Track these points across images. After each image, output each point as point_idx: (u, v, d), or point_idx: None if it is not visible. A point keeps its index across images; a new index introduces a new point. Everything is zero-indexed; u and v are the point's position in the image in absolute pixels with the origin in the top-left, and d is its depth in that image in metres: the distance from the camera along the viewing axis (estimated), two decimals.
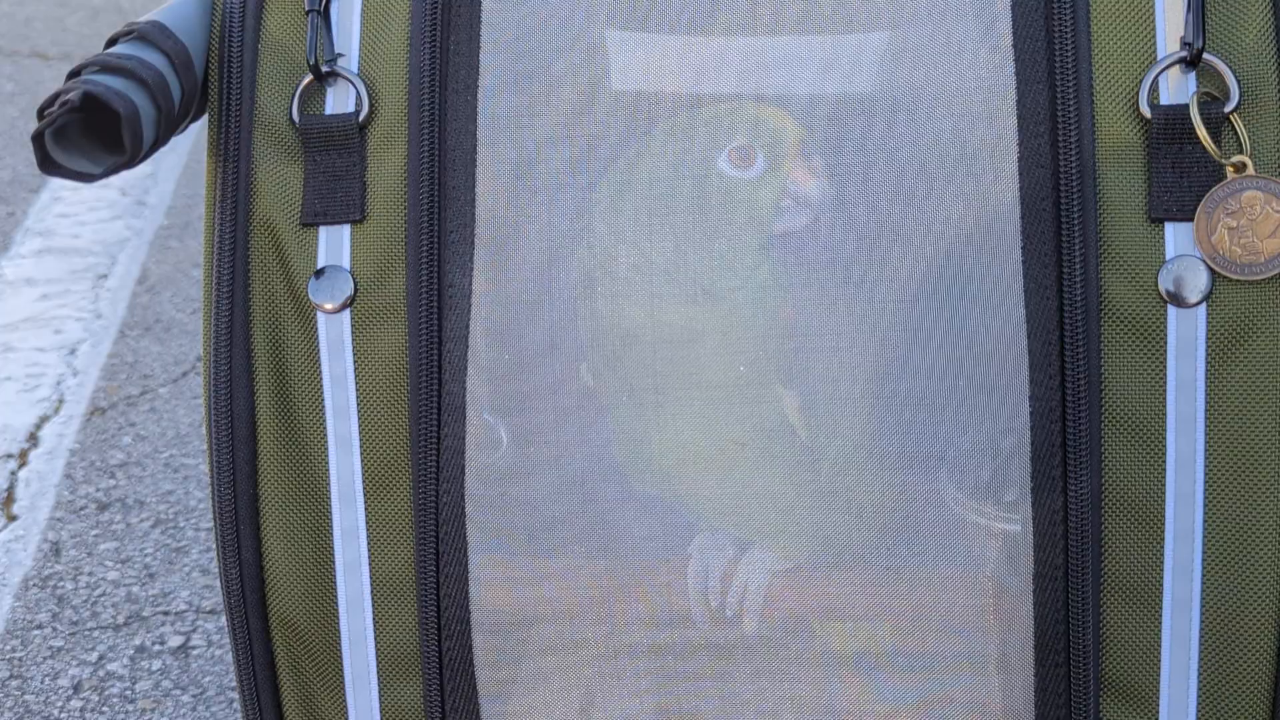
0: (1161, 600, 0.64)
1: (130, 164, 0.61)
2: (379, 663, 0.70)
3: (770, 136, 0.66)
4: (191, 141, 2.15)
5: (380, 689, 0.70)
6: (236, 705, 1.03)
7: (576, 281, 0.67)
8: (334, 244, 0.68)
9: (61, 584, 1.18)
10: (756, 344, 0.66)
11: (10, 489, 1.33)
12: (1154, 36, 0.64)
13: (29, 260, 1.80)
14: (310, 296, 0.68)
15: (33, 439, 1.41)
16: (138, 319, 1.65)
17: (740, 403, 0.66)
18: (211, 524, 1.23)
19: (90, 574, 1.19)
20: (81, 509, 1.28)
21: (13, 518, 1.28)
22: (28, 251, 1.82)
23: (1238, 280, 0.63)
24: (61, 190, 2.00)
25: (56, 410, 1.46)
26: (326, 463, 0.68)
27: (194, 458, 1.36)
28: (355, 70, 0.68)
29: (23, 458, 1.38)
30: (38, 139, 0.59)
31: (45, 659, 1.09)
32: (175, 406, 1.46)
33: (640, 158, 0.67)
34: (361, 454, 0.68)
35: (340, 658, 0.70)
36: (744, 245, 0.66)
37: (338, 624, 0.69)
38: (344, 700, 0.70)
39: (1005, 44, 0.65)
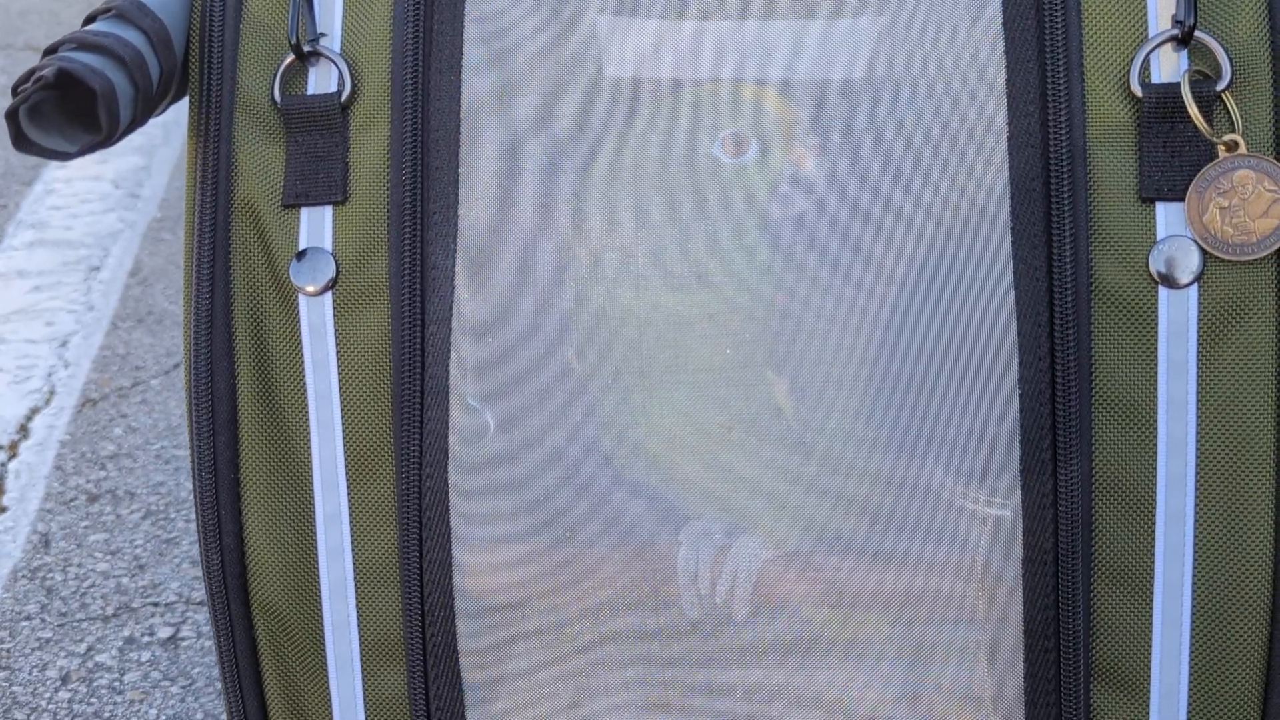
0: (1153, 584, 0.64)
1: (106, 143, 0.61)
2: (362, 650, 0.69)
3: (763, 120, 0.65)
4: (185, 135, 2.15)
5: (364, 676, 0.69)
6: None
7: (562, 264, 0.66)
8: (316, 226, 0.67)
9: (50, 575, 1.17)
10: (744, 327, 0.65)
11: (0, 480, 1.32)
12: (1145, 14, 0.63)
13: (21, 252, 1.79)
14: (292, 279, 0.67)
15: (23, 430, 1.40)
16: (130, 311, 1.64)
17: (727, 386, 0.66)
18: None
19: (79, 565, 1.18)
20: (71, 500, 1.28)
21: (2, 509, 1.27)
22: (20, 243, 1.82)
23: (1230, 261, 0.62)
24: (54, 183, 2.00)
25: (47, 402, 1.46)
26: (309, 447, 0.68)
27: (185, 450, 1.36)
28: (338, 50, 0.67)
29: (13, 449, 1.37)
30: (12, 116, 0.58)
31: (33, 650, 1.08)
32: (167, 398, 1.46)
33: (631, 140, 0.66)
34: (344, 439, 0.67)
35: (323, 644, 0.69)
36: (736, 230, 0.66)
37: (320, 610, 0.69)
38: (327, 687, 0.69)
39: (995, 23, 0.65)
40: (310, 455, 0.68)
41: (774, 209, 0.66)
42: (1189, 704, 0.64)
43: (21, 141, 0.59)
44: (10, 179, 2.01)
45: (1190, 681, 0.64)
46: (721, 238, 0.65)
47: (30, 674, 1.05)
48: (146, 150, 2.08)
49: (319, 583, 0.68)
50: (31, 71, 0.59)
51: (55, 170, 2.02)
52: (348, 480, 0.68)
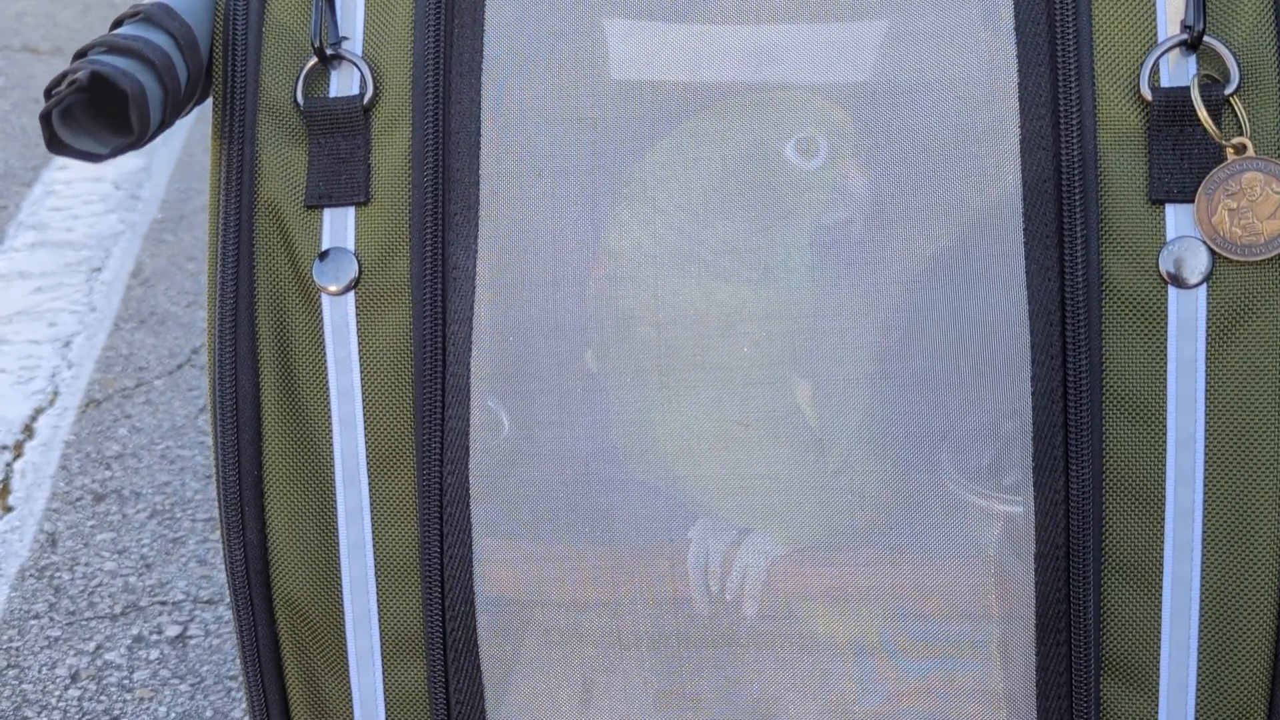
0: (1162, 580, 0.65)
1: (136, 144, 0.61)
2: (383, 644, 0.70)
3: (832, 130, 0.66)
4: (185, 135, 2.15)
5: (384, 670, 0.70)
6: (234, 694, 1.03)
7: (581, 263, 0.67)
8: (338, 226, 0.68)
9: (58, 574, 1.18)
10: (760, 325, 0.66)
11: (6, 480, 1.33)
12: (1155, 19, 0.64)
13: (22, 253, 1.80)
14: (315, 279, 0.68)
15: (28, 431, 1.41)
16: (132, 312, 1.65)
17: (744, 384, 0.66)
18: (209, 515, 1.23)
19: (87, 564, 1.19)
20: (77, 500, 1.28)
21: (8, 509, 1.28)
22: (21, 245, 1.82)
23: (1238, 261, 0.63)
24: (54, 184, 2.00)
25: (51, 402, 1.46)
26: (331, 444, 0.68)
27: (190, 449, 1.36)
28: (359, 53, 0.68)
29: (18, 449, 1.38)
30: (45, 118, 0.59)
31: (42, 649, 1.09)
32: (170, 399, 1.46)
33: (692, 138, 0.67)
34: (366, 435, 0.68)
35: (344, 639, 0.70)
36: (790, 231, 0.66)
37: (342, 605, 0.69)
38: (348, 681, 0.70)
39: (1006, 27, 0.65)
40: (332, 452, 0.68)
41: (823, 216, 0.66)
42: (1197, 697, 0.65)
43: (54, 143, 0.60)
44: (10, 180, 2.02)
45: (1199, 675, 0.65)
46: (775, 237, 0.66)
47: (40, 672, 1.06)
48: (147, 151, 2.08)
49: (340, 577, 0.69)
50: (64, 74, 0.59)
51: (55, 172, 2.03)
52: (369, 477, 0.68)
